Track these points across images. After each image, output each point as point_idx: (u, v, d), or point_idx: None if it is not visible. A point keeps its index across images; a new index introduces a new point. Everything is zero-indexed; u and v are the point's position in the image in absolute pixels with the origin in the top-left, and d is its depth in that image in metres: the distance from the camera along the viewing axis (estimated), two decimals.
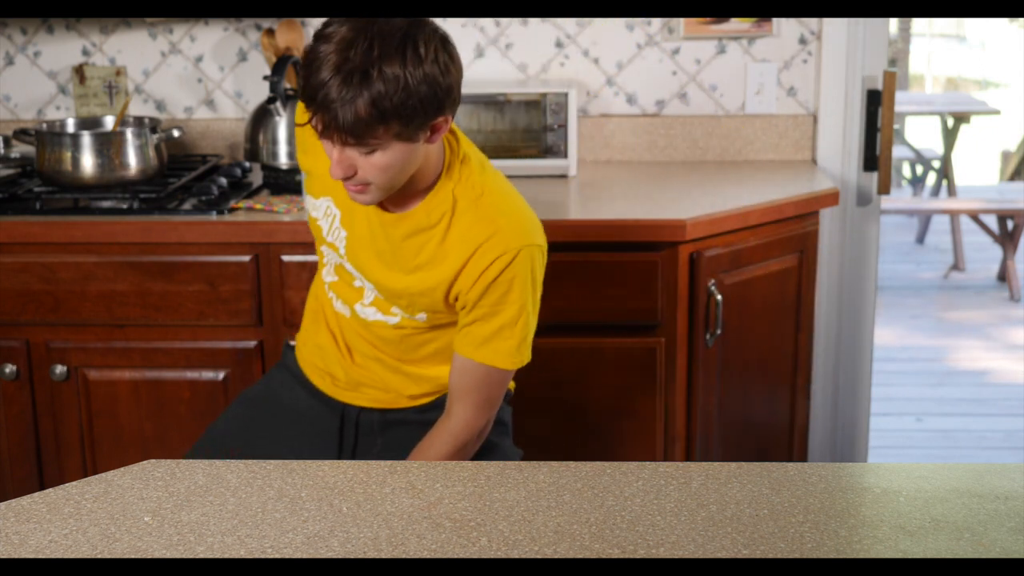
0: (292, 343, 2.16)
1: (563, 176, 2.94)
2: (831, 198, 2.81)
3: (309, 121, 1.69)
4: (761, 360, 2.79)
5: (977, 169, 9.02)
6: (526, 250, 1.81)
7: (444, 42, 1.71)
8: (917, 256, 6.43)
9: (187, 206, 2.68)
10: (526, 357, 1.89)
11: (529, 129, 2.94)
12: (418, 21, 1.69)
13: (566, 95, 2.91)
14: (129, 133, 2.74)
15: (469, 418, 1.91)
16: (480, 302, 1.83)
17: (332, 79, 1.62)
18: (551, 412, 2.61)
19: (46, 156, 2.72)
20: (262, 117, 2.94)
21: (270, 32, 3.05)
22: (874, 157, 3.10)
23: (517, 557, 1.28)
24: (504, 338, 1.85)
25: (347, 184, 1.76)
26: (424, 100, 1.66)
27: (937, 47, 11.99)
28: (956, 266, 6.08)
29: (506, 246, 1.79)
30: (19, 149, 3.12)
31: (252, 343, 2.63)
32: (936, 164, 6.80)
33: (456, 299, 1.86)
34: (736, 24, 3.07)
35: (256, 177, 2.97)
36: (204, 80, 3.16)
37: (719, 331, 2.62)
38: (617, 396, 2.61)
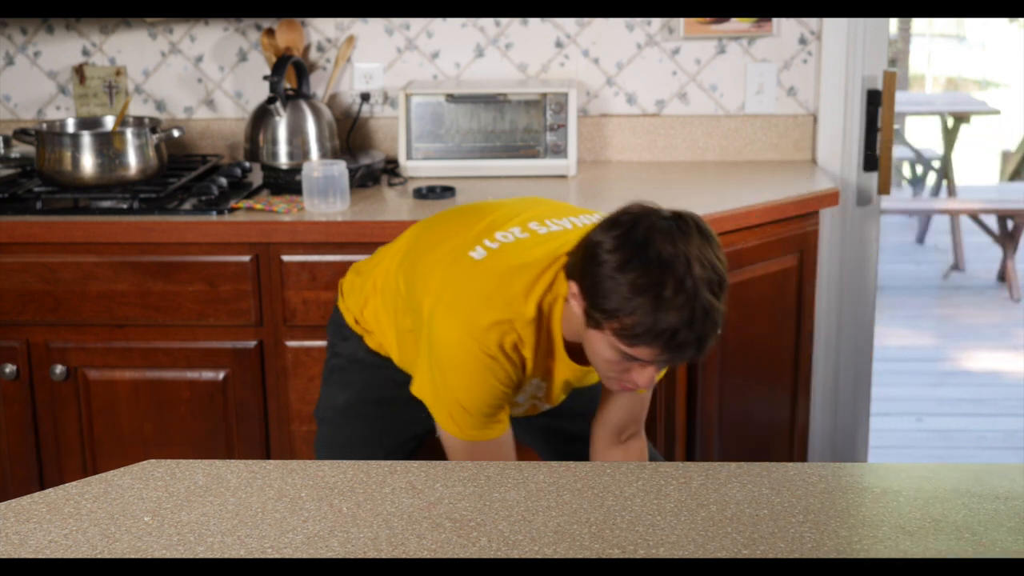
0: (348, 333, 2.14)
1: (563, 176, 2.94)
2: (831, 198, 2.81)
3: (638, 357, 1.67)
4: (761, 360, 2.79)
5: (977, 169, 9.01)
6: None
7: (705, 227, 1.69)
8: (917, 256, 6.43)
9: (187, 206, 2.68)
10: None
11: (529, 129, 2.94)
12: (670, 221, 1.65)
13: (566, 95, 2.91)
14: (129, 133, 2.74)
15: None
16: None
17: (685, 323, 1.61)
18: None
19: (46, 156, 2.72)
20: (262, 117, 2.94)
21: (270, 32, 3.05)
22: (874, 157, 3.10)
23: (517, 557, 1.28)
24: None
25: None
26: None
27: (937, 47, 11.98)
28: (956, 266, 6.07)
29: None
30: (19, 149, 3.12)
31: (252, 343, 2.63)
32: (936, 164, 6.79)
33: None
34: (736, 24, 3.07)
35: (256, 177, 2.97)
36: (204, 80, 3.16)
37: (719, 331, 2.62)
38: None
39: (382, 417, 2.11)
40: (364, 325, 2.10)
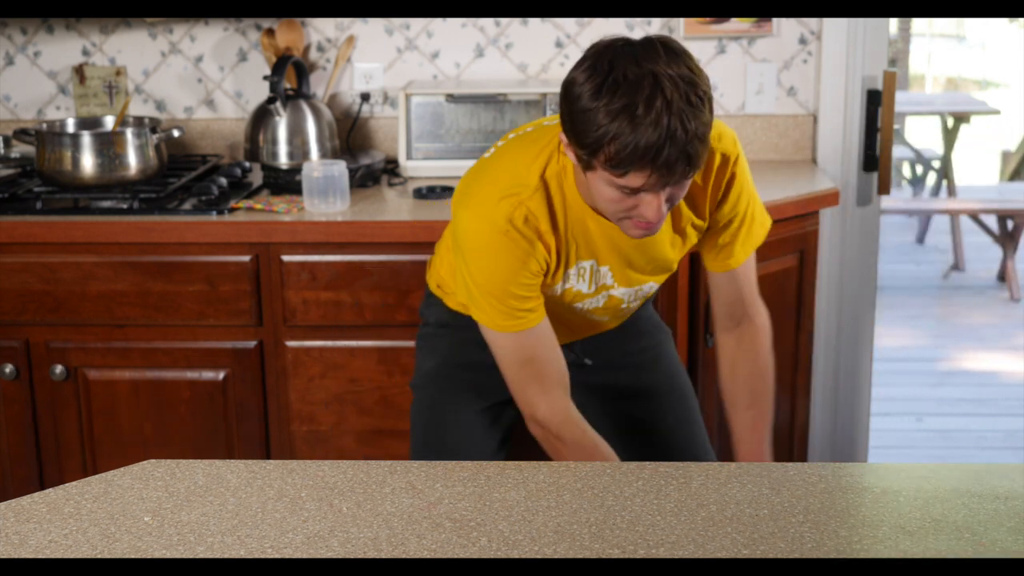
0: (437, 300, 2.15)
1: None
2: (831, 198, 2.81)
3: (633, 185, 1.66)
4: None
5: (977, 169, 9.02)
6: (732, 134, 1.89)
7: (675, 44, 1.69)
8: (917, 256, 6.43)
9: (187, 206, 2.68)
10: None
11: None
12: (636, 42, 1.67)
13: None
14: (129, 133, 2.74)
15: (762, 303, 2.09)
16: (725, 210, 1.92)
17: (667, 133, 1.60)
18: None
19: (46, 156, 2.72)
20: (262, 117, 2.95)
21: (270, 32, 3.05)
22: (874, 157, 3.10)
23: (517, 557, 1.28)
24: (758, 219, 1.99)
25: (649, 224, 1.74)
26: (710, 92, 1.68)
27: (937, 47, 11.99)
28: (956, 266, 6.07)
29: (723, 146, 1.86)
30: (19, 149, 3.12)
31: (252, 343, 2.63)
32: (936, 164, 6.80)
33: (709, 224, 1.94)
34: (736, 24, 3.07)
35: (256, 177, 2.97)
36: (204, 80, 3.16)
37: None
38: None
39: (471, 380, 2.11)
40: (444, 288, 2.12)
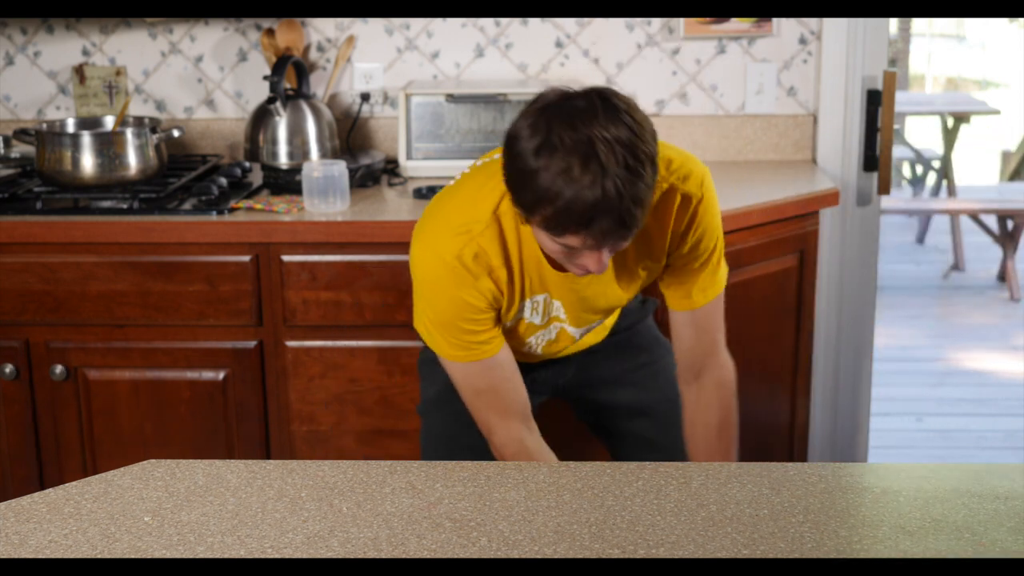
0: None
1: None
2: (831, 198, 2.81)
3: (570, 245, 1.66)
4: (761, 360, 2.79)
5: (977, 169, 9.01)
6: (701, 174, 1.85)
7: (615, 101, 1.67)
8: (917, 256, 6.43)
9: (187, 206, 2.68)
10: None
11: None
12: (579, 99, 1.64)
13: None
14: (129, 133, 2.74)
15: (728, 357, 2.04)
16: (702, 250, 1.89)
17: (603, 199, 1.58)
18: (552, 411, 2.60)
19: (46, 156, 2.72)
20: (262, 117, 2.95)
21: (270, 32, 3.05)
22: (874, 157, 3.10)
23: (517, 557, 1.28)
24: (719, 262, 1.94)
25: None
26: (654, 151, 1.65)
27: (937, 47, 11.99)
28: (956, 266, 6.07)
29: (696, 188, 1.83)
30: (19, 149, 3.12)
31: (252, 343, 2.63)
32: (936, 164, 6.80)
33: (668, 262, 1.91)
34: (736, 24, 3.07)
35: (256, 177, 2.97)
36: (204, 80, 3.16)
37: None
38: None
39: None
40: None
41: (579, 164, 1.57)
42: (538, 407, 2.14)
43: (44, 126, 2.81)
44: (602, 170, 1.57)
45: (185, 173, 2.91)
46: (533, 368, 2.10)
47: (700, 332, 2.00)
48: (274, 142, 2.93)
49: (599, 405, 2.18)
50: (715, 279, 1.95)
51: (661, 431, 2.17)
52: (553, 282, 1.87)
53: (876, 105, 3.07)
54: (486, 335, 1.87)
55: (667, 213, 1.83)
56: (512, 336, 1.96)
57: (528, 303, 1.89)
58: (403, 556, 1.28)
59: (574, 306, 1.92)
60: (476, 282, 1.81)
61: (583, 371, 2.14)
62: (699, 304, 1.96)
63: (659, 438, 2.17)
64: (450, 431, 2.10)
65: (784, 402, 2.87)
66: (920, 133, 8.79)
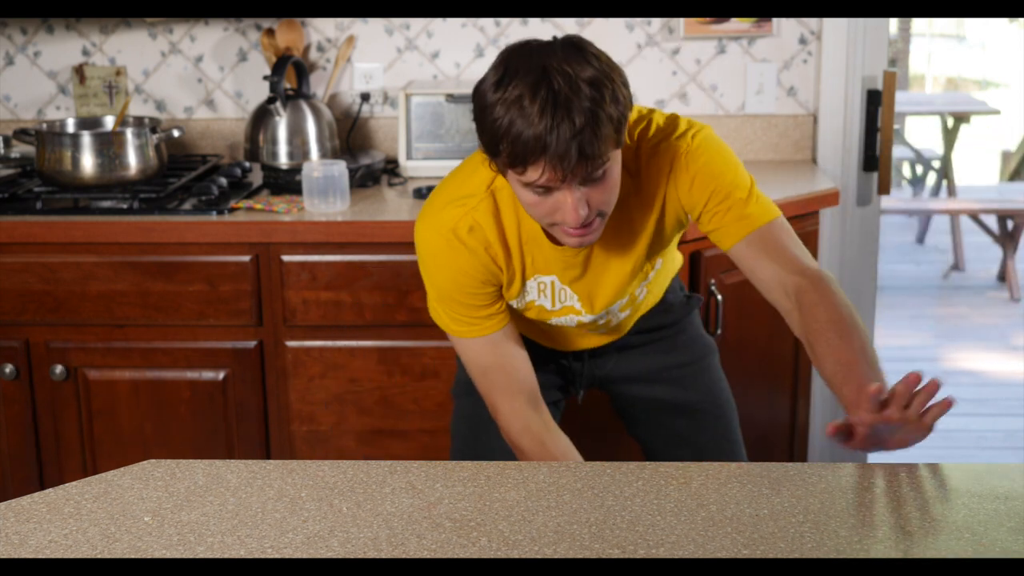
0: None
1: None
2: (831, 198, 2.81)
3: (535, 181, 1.64)
4: (761, 360, 2.79)
5: (977, 169, 9.02)
6: (695, 129, 1.81)
7: (581, 43, 1.67)
8: (917, 256, 6.43)
9: (187, 206, 2.68)
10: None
11: None
12: (542, 44, 1.65)
13: None
14: (129, 133, 2.74)
15: (817, 267, 1.83)
16: (712, 194, 1.80)
17: (553, 121, 1.57)
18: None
19: (46, 156, 2.72)
20: (262, 117, 2.95)
21: (270, 32, 3.05)
22: (874, 157, 3.10)
23: (517, 557, 1.28)
24: (747, 200, 1.80)
25: (579, 230, 1.71)
26: (622, 91, 1.64)
27: (937, 47, 11.99)
28: (956, 266, 6.07)
29: (684, 141, 1.79)
30: (19, 149, 3.12)
31: (252, 343, 2.63)
32: (936, 164, 6.80)
33: (693, 216, 1.84)
34: (736, 24, 3.07)
35: (256, 177, 2.97)
36: (204, 80, 3.16)
37: (719, 331, 2.62)
38: None
39: None
40: None
41: (530, 92, 1.58)
42: (581, 398, 2.18)
43: (44, 126, 2.81)
44: (553, 95, 1.57)
45: (185, 173, 2.91)
46: (572, 359, 2.13)
47: (760, 258, 1.81)
48: (274, 142, 2.93)
49: (633, 399, 2.18)
50: (746, 211, 1.80)
51: (697, 431, 2.16)
52: (554, 258, 1.86)
53: (876, 105, 3.07)
54: (487, 311, 1.87)
55: (660, 174, 1.80)
56: (527, 321, 1.97)
57: (533, 283, 1.89)
58: (403, 556, 1.28)
59: (583, 288, 1.91)
60: (472, 256, 1.81)
61: (620, 365, 2.15)
62: (738, 237, 1.81)
63: (694, 437, 2.15)
64: (478, 411, 2.11)
65: (784, 402, 2.87)
66: (920, 133, 8.80)
